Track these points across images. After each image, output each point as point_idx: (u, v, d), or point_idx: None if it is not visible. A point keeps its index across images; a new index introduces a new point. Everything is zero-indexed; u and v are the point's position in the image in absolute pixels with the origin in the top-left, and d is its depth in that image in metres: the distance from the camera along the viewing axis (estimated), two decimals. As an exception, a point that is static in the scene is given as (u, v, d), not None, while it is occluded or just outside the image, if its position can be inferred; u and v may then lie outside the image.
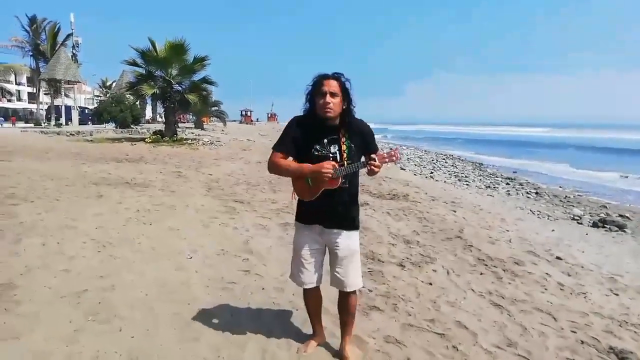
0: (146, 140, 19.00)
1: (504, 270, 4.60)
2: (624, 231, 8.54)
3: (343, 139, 2.42)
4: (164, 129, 20.89)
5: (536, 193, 13.62)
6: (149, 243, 4.75)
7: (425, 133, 72.75)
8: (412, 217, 6.97)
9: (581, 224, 9.33)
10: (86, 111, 38.51)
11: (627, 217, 10.10)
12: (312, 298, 2.77)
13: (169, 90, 19.88)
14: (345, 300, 2.67)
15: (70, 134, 21.55)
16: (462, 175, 17.72)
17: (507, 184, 15.74)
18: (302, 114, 2.51)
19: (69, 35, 34.06)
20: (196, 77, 20.29)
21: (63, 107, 32.46)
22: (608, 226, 8.86)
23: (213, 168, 11.92)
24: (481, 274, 4.45)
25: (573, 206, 11.64)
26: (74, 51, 34.13)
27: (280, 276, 3.95)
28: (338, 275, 2.57)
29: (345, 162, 2.39)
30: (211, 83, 20.53)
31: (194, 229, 5.45)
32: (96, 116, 30.05)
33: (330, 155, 2.41)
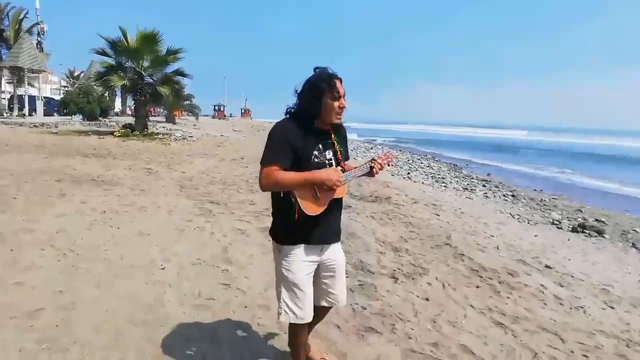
0: (115, 133, 18.16)
1: (500, 283, 4.38)
2: (603, 236, 8.72)
3: (336, 144, 2.25)
4: (134, 123, 20.06)
5: (512, 196, 13.78)
6: (116, 250, 4.30)
7: (395, 133, 73.15)
8: (397, 221, 6.70)
9: (561, 228, 9.44)
10: (52, 102, 36.83)
11: (603, 222, 10.27)
12: (304, 331, 2.39)
13: (140, 82, 19.06)
14: (325, 312, 2.50)
15: (34, 125, 20.43)
16: (439, 176, 17.75)
17: (484, 186, 15.90)
18: (287, 117, 2.18)
19: (34, 24, 32.46)
20: (169, 70, 19.56)
21: (27, 97, 30.90)
22: (587, 231, 9.03)
23: (186, 165, 11.39)
24: (477, 287, 4.20)
25: (550, 210, 11.77)
26: (39, 39, 32.54)
27: (264, 291, 3.57)
28: (333, 291, 2.36)
29: (344, 168, 2.25)
30: (185, 75, 19.80)
31: (167, 234, 5.01)
32: (62, 107, 28.75)
33: (327, 161, 2.18)
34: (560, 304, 4.07)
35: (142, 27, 18.77)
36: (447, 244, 5.60)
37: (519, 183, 17.32)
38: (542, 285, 4.54)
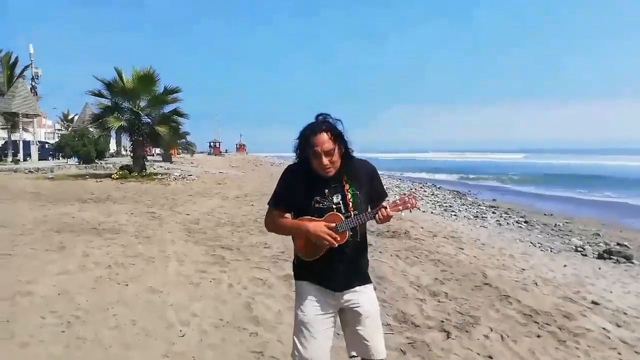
0: (113, 176, 17.70)
1: (560, 329, 3.90)
2: (632, 262, 8.43)
3: (347, 186, 2.11)
4: (131, 163, 19.66)
5: (525, 222, 13.50)
6: (127, 314, 3.78)
7: (386, 161, 72.86)
8: (425, 259, 6.24)
9: (586, 255, 9.16)
10: (46, 146, 36.49)
11: (626, 246, 9.99)
12: None
13: (137, 123, 18.79)
14: None
15: (29, 171, 19.96)
16: (447, 205, 17.46)
17: (494, 212, 15.64)
18: (297, 160, 2.16)
19: (27, 67, 32.44)
20: (167, 109, 19.35)
21: (21, 142, 30.58)
22: (615, 257, 8.74)
23: (189, 206, 10.93)
24: (538, 336, 3.72)
25: (568, 236, 11.45)
26: (33, 83, 32.51)
27: (304, 358, 3.08)
28: (361, 338, 2.12)
29: (352, 213, 2.06)
30: (182, 115, 19.56)
31: (181, 290, 4.50)
32: (57, 151, 28.39)
33: (334, 206, 2.09)
34: (635, 351, 3.60)
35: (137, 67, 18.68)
36: (487, 284, 5.13)
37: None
38: (604, 329, 4.08)
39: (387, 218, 2.03)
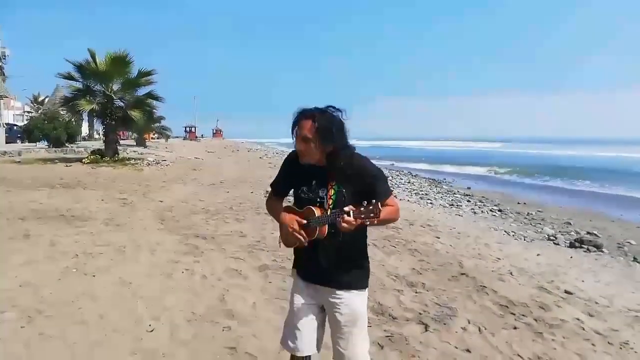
0: (84, 160, 17.15)
1: (536, 321, 3.92)
2: (602, 251, 8.63)
3: (333, 183, 2.03)
4: (103, 148, 19.10)
5: (499, 210, 13.67)
6: (94, 308, 3.61)
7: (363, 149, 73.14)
8: (402, 248, 6.22)
9: (558, 244, 9.31)
10: (14, 128, 35.16)
11: (596, 235, 10.23)
12: None
13: (109, 106, 18.21)
14: None
15: (-5, 154, 19.23)
16: (422, 193, 17.55)
17: (468, 201, 15.81)
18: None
19: (-9, 45, 31.16)
20: (141, 92, 18.80)
21: (-13, 125, 29.40)
22: (585, 246, 8.92)
23: (163, 193, 10.66)
24: (515, 328, 3.72)
25: (541, 224, 11.64)
26: (0, 63, 31.24)
27: (279, 354, 2.97)
28: (338, 345, 2.09)
29: (329, 210, 1.98)
30: (157, 98, 19.04)
31: (152, 281, 4.34)
32: (26, 134, 27.35)
33: (318, 199, 2.05)
34: (609, 342, 3.65)
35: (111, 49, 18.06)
36: (464, 274, 5.14)
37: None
38: (578, 320, 4.13)
39: (348, 224, 1.81)
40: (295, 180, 2.15)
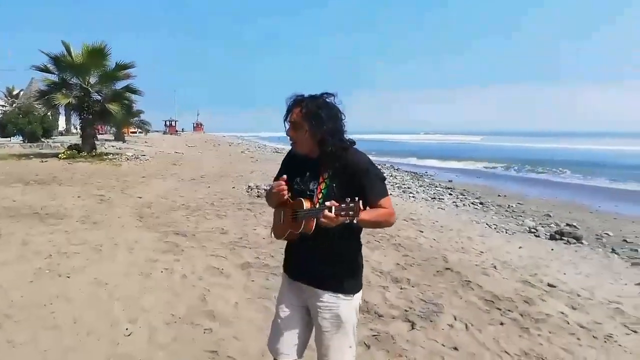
0: (60, 155, 16.69)
1: (522, 316, 3.92)
2: (582, 243, 8.72)
3: (325, 175, 1.97)
4: (80, 143, 18.63)
5: (481, 203, 13.75)
6: (68, 311, 3.46)
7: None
8: (385, 243, 6.17)
9: (538, 236, 9.39)
10: (-14, 123, 34.14)
11: (575, 227, 10.36)
12: None
13: (86, 100, 17.76)
14: None
15: (-34, 150, 18.62)
16: (405, 186, 17.56)
17: (450, 194, 15.85)
18: None
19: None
20: (119, 85, 18.38)
21: (-43, 119, 28.41)
22: (565, 238, 9.02)
23: (142, 188, 10.43)
24: (501, 323, 3.70)
25: (521, 217, 11.75)
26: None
27: (262, 356, 2.88)
28: (320, 350, 2.02)
29: (318, 204, 1.91)
30: (135, 92, 18.65)
31: (129, 282, 4.19)
32: (-1, 128, 26.59)
33: (308, 191, 2.00)
34: (593, 336, 3.66)
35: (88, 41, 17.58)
36: (448, 269, 5.12)
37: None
38: (562, 313, 4.15)
39: (328, 219, 1.72)
40: (291, 171, 2.10)
